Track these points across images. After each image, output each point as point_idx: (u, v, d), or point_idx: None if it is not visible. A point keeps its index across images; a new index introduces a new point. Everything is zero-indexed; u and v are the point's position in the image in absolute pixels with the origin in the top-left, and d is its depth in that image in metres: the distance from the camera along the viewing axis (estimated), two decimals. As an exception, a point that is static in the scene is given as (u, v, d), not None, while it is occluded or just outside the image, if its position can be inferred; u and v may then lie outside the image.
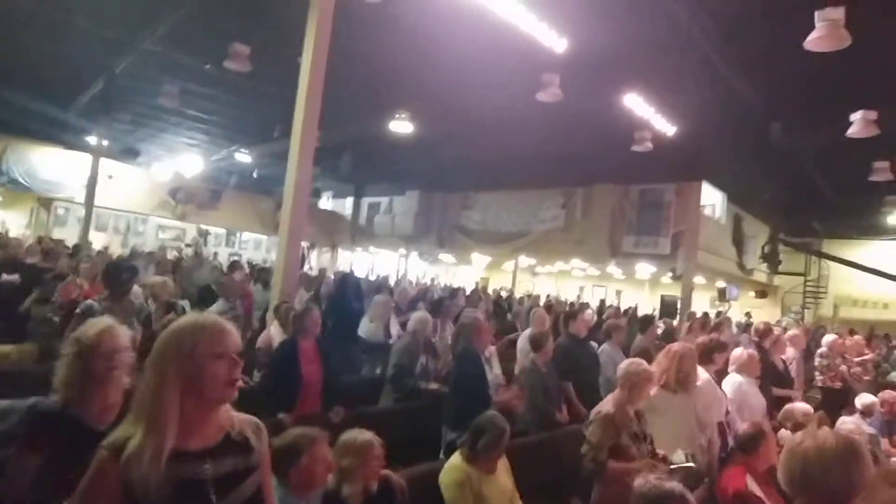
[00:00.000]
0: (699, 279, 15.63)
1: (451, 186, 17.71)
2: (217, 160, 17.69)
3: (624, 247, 13.57)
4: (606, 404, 3.00)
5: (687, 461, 2.81)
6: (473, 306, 7.31)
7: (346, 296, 6.91)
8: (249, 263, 13.87)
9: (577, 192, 14.61)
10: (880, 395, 5.26)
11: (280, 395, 3.62)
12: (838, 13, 6.72)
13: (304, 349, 3.83)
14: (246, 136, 15.51)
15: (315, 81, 6.12)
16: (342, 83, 10.55)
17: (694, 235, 12.80)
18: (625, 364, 3.06)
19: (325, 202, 22.83)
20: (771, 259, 16.10)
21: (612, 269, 16.17)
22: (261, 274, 9.07)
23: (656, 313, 15.07)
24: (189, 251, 15.98)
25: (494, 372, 4.21)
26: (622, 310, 13.59)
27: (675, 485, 1.97)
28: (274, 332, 4.70)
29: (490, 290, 15.91)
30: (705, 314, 12.92)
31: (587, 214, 14.38)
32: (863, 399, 4.49)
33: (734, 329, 9.69)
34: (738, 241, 14.92)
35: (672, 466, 2.82)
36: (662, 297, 16.69)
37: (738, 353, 4.27)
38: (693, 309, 15.26)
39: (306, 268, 14.15)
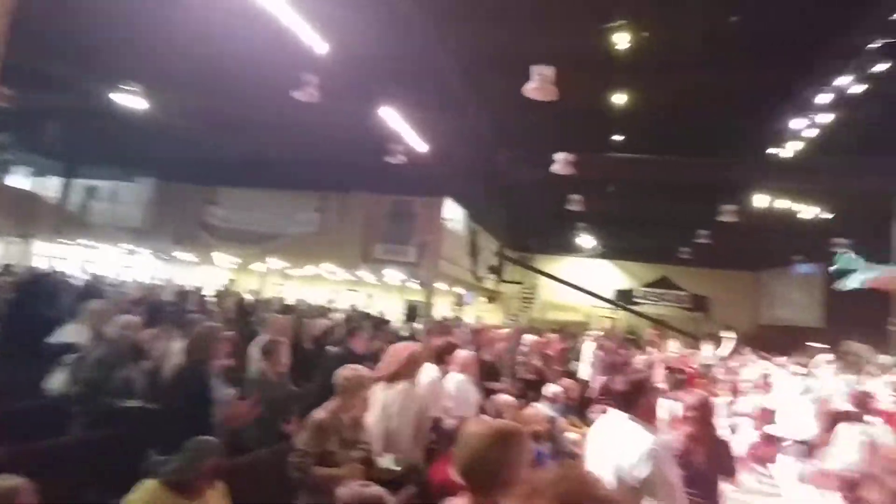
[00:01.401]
0: (441, 285, 17.18)
1: (193, 178, 15.88)
2: None
3: (375, 253, 14.10)
4: (320, 411, 2.96)
5: (395, 465, 2.94)
6: (203, 312, 6.56)
7: (33, 300, 5.53)
8: None
9: (332, 197, 14.65)
10: (561, 383, 6.45)
11: None
12: (550, 70, 8.14)
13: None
14: None
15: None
16: (50, 34, 8.52)
17: (437, 246, 14.04)
18: (340, 370, 3.06)
19: (20, 180, 18.12)
20: (497, 270, 18.67)
21: (365, 274, 16.65)
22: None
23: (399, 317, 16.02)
24: None
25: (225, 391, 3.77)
26: (369, 314, 14.05)
27: (375, 490, 2.02)
28: None
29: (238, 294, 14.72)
30: (443, 318, 14.25)
31: (342, 220, 14.53)
32: (548, 388, 5.44)
33: (464, 331, 10.79)
34: (474, 253, 16.94)
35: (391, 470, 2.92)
36: (408, 301, 17.85)
37: (461, 353, 4.73)
38: (435, 313, 16.65)
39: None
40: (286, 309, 10.25)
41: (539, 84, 8.08)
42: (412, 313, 16.23)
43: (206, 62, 9.57)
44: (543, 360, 9.33)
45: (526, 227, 19.37)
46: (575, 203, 15.23)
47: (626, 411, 2.52)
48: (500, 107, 11.25)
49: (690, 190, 13.93)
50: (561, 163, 11.87)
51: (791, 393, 6.00)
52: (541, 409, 5.24)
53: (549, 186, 14.59)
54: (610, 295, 21.32)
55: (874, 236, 12.67)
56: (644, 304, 21.62)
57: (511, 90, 8.57)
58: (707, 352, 9.82)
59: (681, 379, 7.74)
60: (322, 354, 5.29)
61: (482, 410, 4.81)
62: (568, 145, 12.13)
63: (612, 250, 21.45)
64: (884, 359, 10.70)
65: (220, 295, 12.23)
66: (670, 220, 16.85)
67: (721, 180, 13.15)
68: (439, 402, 4.00)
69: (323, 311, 11.24)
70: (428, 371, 4.39)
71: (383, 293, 19.17)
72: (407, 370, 3.51)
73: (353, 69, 9.65)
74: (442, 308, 18.12)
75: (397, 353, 3.65)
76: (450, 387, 4.38)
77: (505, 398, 4.43)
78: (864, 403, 5.41)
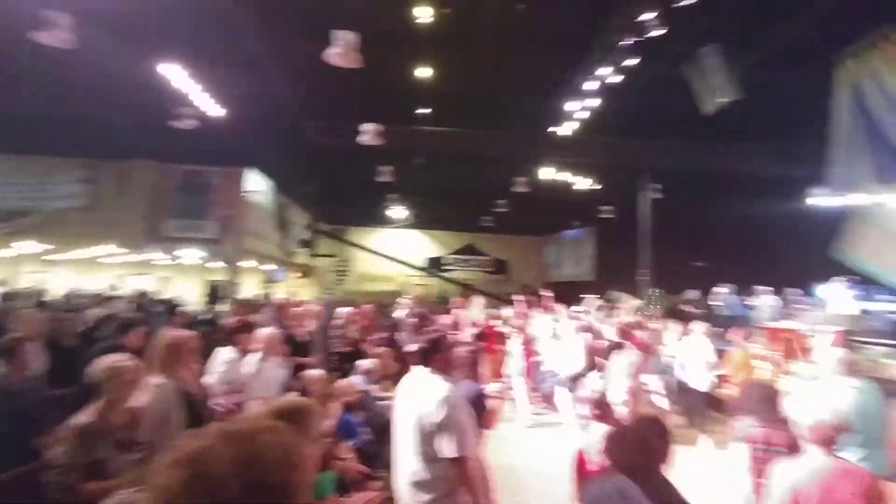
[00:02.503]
0: (248, 263, 16.03)
1: None
2: None
3: (166, 231, 12.45)
4: (81, 415, 2.51)
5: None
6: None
7: None
8: None
9: (106, 165, 12.43)
10: (375, 352, 6.56)
11: None
12: (352, 36, 7.95)
13: None
14: None
15: None
16: None
17: (241, 221, 12.96)
18: (102, 363, 2.61)
19: None
20: (310, 244, 18.11)
21: (156, 254, 14.71)
22: None
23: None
24: None
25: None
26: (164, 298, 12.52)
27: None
28: None
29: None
30: (250, 298, 13.38)
31: (120, 193, 12.44)
32: (363, 364, 5.46)
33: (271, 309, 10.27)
34: (284, 227, 16.09)
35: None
36: (210, 282, 16.32)
37: (261, 332, 4.44)
38: (243, 293, 15.51)
39: None
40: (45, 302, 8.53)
41: (342, 49, 7.86)
42: (215, 294, 14.88)
43: None
44: (359, 332, 9.41)
45: (338, 200, 19.04)
46: (385, 174, 15.39)
47: (425, 365, 2.69)
48: (305, 73, 10.67)
49: (490, 162, 15.09)
50: (369, 133, 11.82)
51: (567, 334, 7.04)
52: (354, 381, 5.26)
53: (359, 157, 14.47)
54: (421, 263, 22.29)
55: (629, 203, 15.33)
56: (453, 269, 23.11)
57: (317, 56, 8.16)
58: (507, 310, 10.89)
59: (482, 333, 8.50)
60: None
61: (290, 388, 4.63)
62: (376, 116, 12.11)
63: (422, 220, 22.34)
64: (635, 302, 13.13)
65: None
66: (474, 191, 18.11)
67: (515, 154, 14.50)
68: (234, 385, 3.71)
69: (98, 301, 9.63)
70: (222, 354, 4.07)
71: (180, 275, 17.21)
72: (166, 362, 3.10)
73: (126, 16, 8.24)
74: (250, 287, 16.99)
75: (160, 342, 3.22)
76: (249, 368, 4.10)
77: (313, 373, 4.31)
78: (625, 334, 6.70)
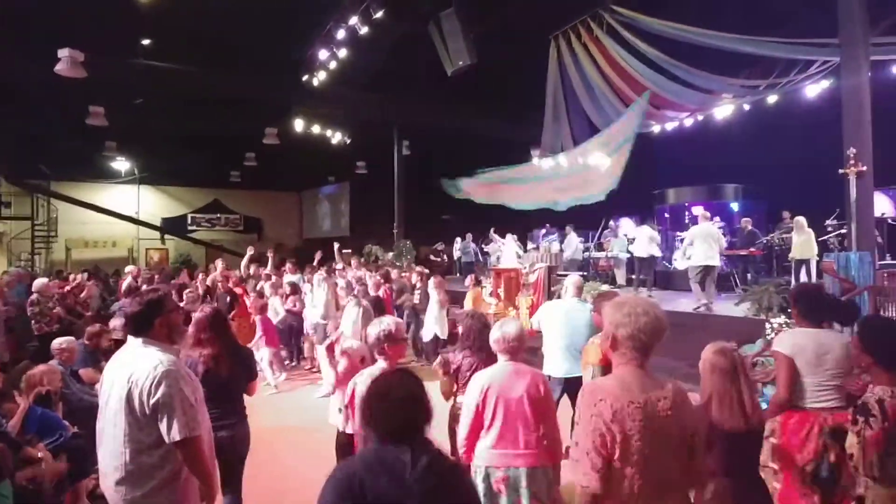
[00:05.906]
0: None
1: None
2: None
3: None
4: None
5: None
6: None
7: None
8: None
9: None
10: (91, 329, 5.42)
11: None
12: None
13: None
14: None
15: None
16: None
17: None
18: None
19: None
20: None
21: None
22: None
23: None
24: None
25: None
26: None
27: None
28: None
29: None
30: None
31: None
32: (57, 343, 4.41)
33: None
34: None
35: None
36: None
37: None
38: None
39: None
40: None
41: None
42: None
43: None
44: (66, 308, 7.75)
45: (31, 146, 15.04)
46: (97, 117, 12.60)
47: (139, 335, 2.22)
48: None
49: (233, 110, 13.65)
50: (67, 62, 9.43)
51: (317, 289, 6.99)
52: (55, 366, 4.27)
53: (57, 93, 11.50)
54: (158, 223, 19.42)
55: (383, 159, 15.72)
56: (198, 230, 20.77)
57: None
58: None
59: (233, 297, 7.84)
60: None
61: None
62: (77, 41, 9.69)
63: (155, 175, 19.26)
64: (390, 255, 13.80)
65: None
66: (218, 142, 16.26)
67: (261, 102, 13.33)
68: None
69: None
70: None
71: None
72: None
73: None
74: None
75: None
76: None
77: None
78: (377, 286, 6.92)
